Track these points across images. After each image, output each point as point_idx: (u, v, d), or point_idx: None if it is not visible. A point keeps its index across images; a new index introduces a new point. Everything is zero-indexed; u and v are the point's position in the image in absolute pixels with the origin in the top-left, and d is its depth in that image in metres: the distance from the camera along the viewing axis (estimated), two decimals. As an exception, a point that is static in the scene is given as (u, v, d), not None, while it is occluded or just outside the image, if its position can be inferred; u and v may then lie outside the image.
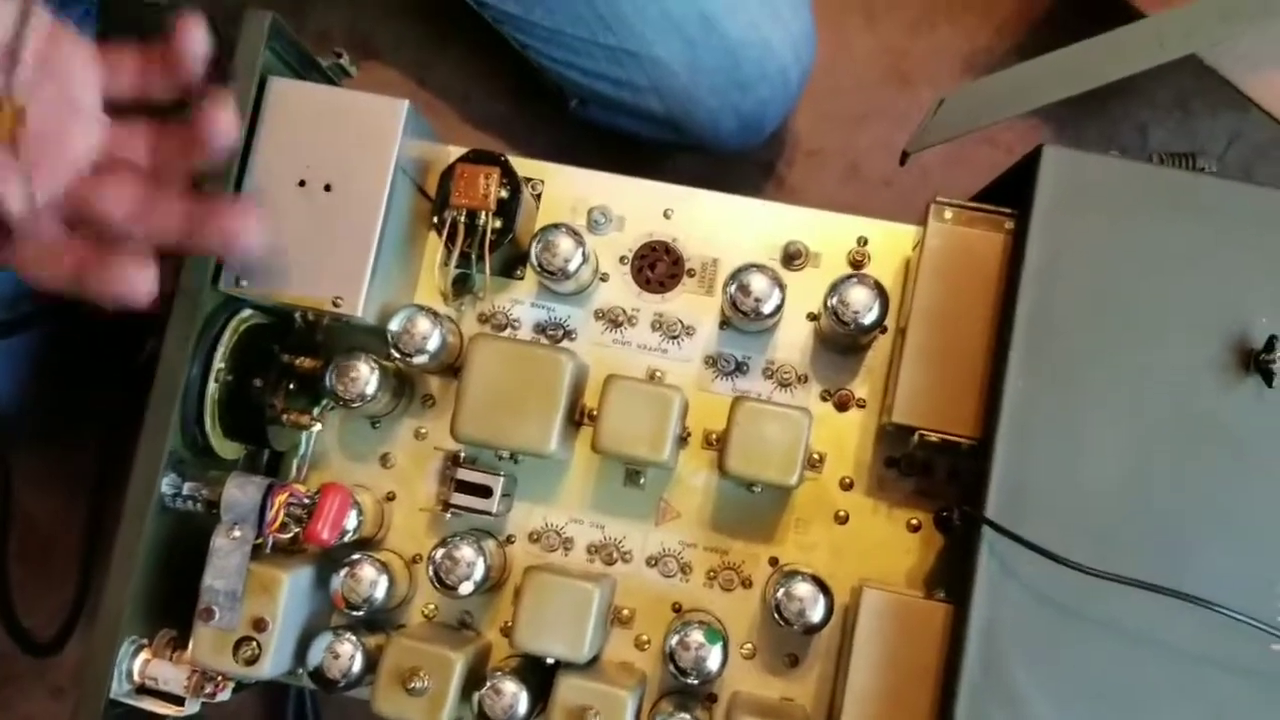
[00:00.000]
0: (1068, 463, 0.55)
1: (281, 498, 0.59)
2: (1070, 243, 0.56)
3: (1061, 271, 0.56)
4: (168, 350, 0.59)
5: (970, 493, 0.60)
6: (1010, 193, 0.61)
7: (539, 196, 0.70)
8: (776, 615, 0.60)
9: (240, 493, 0.59)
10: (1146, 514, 0.54)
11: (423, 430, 0.69)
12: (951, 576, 0.61)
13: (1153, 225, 0.57)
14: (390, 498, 0.68)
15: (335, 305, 0.62)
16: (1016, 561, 0.54)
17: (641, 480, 0.67)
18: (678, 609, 0.66)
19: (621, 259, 0.69)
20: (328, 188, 0.62)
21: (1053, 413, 0.55)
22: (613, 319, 0.69)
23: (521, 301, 0.69)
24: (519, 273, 0.70)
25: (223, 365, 0.62)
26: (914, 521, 0.65)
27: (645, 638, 0.66)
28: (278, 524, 0.59)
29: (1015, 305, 0.56)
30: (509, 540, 0.67)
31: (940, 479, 0.65)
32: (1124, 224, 0.57)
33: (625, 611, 0.66)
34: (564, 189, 0.70)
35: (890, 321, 0.64)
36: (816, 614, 0.59)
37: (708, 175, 0.85)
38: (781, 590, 0.60)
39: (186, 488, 0.60)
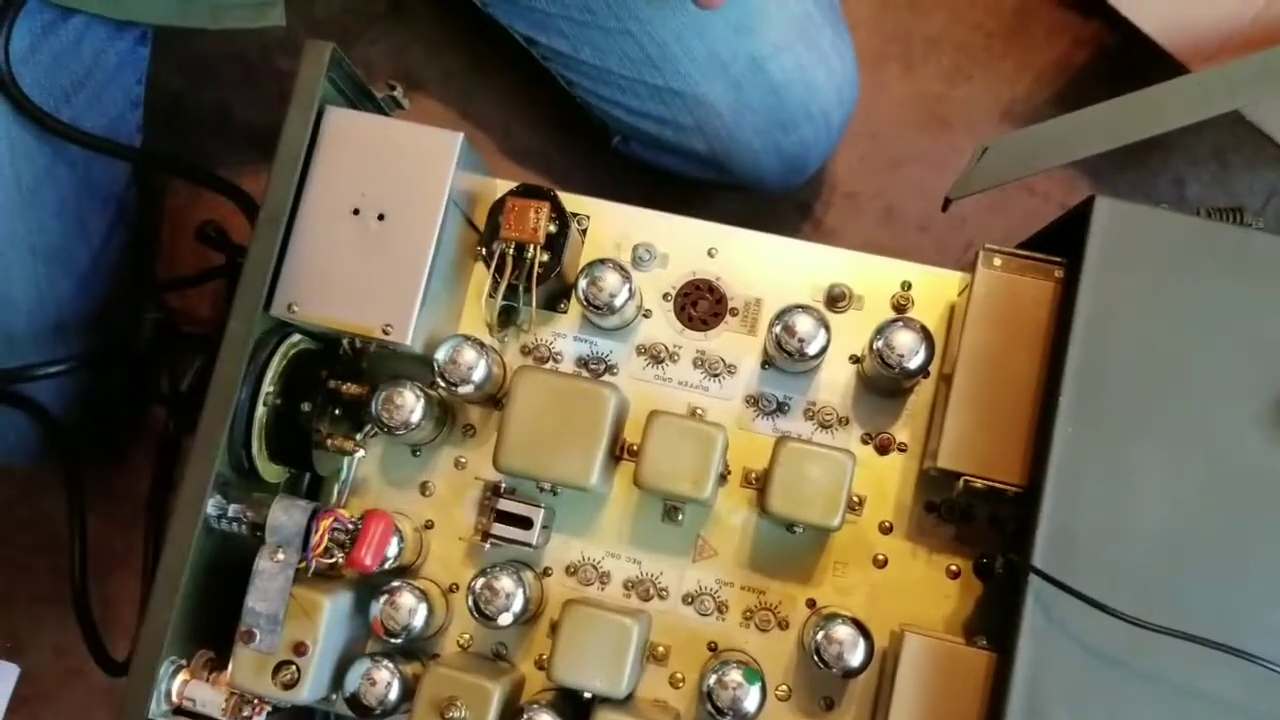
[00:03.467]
0: (1116, 512, 0.55)
1: (326, 522, 0.60)
2: (1121, 293, 0.57)
3: (1113, 321, 0.56)
4: (219, 373, 0.60)
5: (1014, 540, 0.60)
6: (1059, 241, 0.61)
7: (584, 231, 0.71)
8: (815, 658, 0.59)
9: (285, 516, 0.60)
10: (1194, 566, 0.54)
11: (462, 459, 0.69)
12: (993, 624, 0.60)
13: (1203, 278, 0.57)
14: (429, 526, 0.69)
15: (385, 333, 0.62)
16: (1063, 611, 0.54)
17: (680, 517, 0.67)
18: (713, 648, 0.66)
19: (665, 296, 0.70)
20: (381, 217, 0.63)
21: (1101, 462, 0.55)
22: (654, 355, 0.69)
23: (564, 335, 0.70)
24: (562, 306, 0.70)
25: (271, 389, 0.62)
26: (953, 567, 0.64)
27: (680, 675, 0.65)
28: (322, 548, 0.59)
29: (1065, 354, 0.56)
30: (546, 572, 0.67)
31: (981, 525, 0.65)
32: (1175, 276, 0.57)
33: (660, 648, 0.66)
34: (609, 225, 0.71)
35: (933, 366, 0.64)
36: (856, 658, 0.59)
37: (745, 215, 0.85)
38: (821, 633, 0.59)
39: (231, 510, 0.60)
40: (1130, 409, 0.56)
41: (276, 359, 0.63)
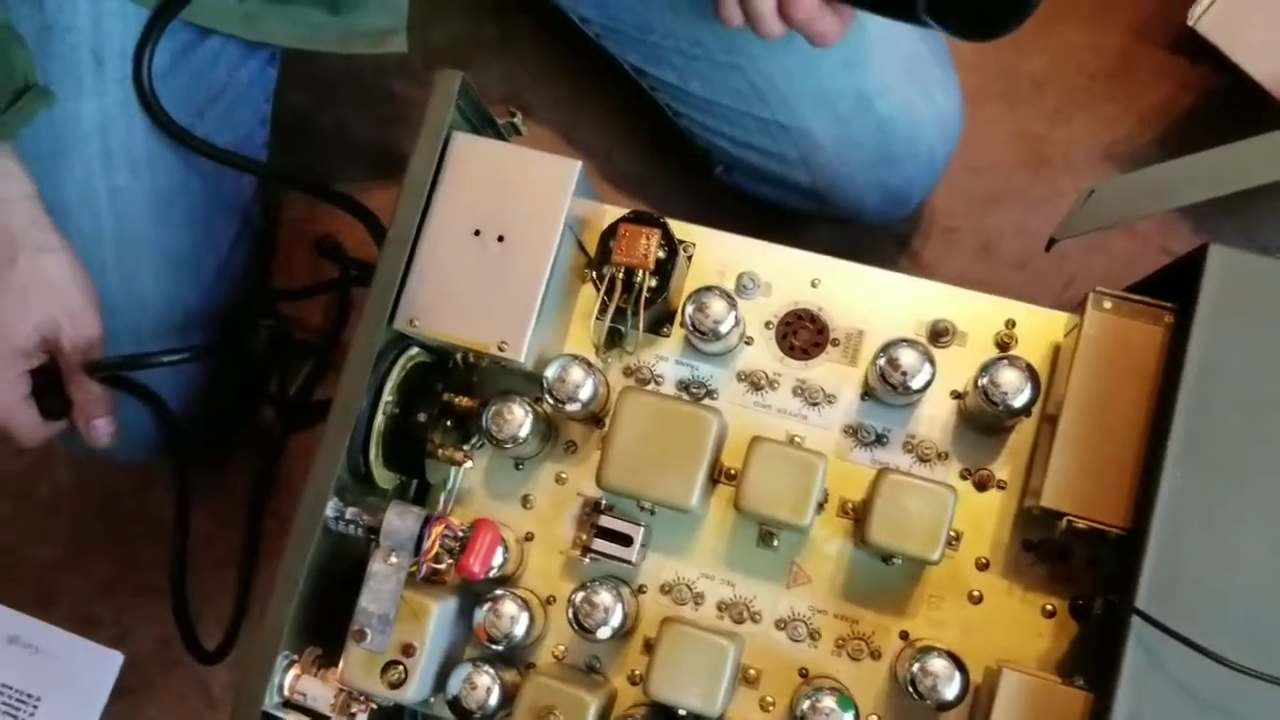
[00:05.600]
0: (1222, 558, 0.55)
1: (438, 529, 0.62)
2: (1233, 340, 0.57)
3: (1223, 368, 0.57)
4: (345, 382, 0.62)
5: (1114, 582, 0.60)
6: (1169, 286, 0.62)
7: (690, 258, 0.72)
8: (910, 689, 0.60)
9: (400, 521, 0.62)
10: (1301, 616, 0.54)
11: (564, 475, 0.71)
12: (1091, 665, 0.60)
13: (1316, 328, 0.57)
14: (528, 538, 0.70)
15: (500, 349, 0.65)
16: (1165, 654, 0.54)
17: (775, 542, 0.68)
18: (804, 674, 0.67)
19: (767, 324, 0.71)
20: (501, 238, 0.66)
21: (1208, 507, 0.55)
22: (754, 382, 0.70)
23: (666, 358, 0.72)
24: (665, 330, 0.72)
25: (390, 399, 0.65)
26: (1049, 607, 0.65)
27: (770, 699, 0.66)
28: (433, 554, 0.62)
29: (1175, 399, 0.56)
30: (641, 590, 0.69)
31: (1078, 566, 0.65)
32: (1289, 326, 0.57)
33: (751, 671, 0.67)
34: (714, 252, 0.72)
35: (1036, 406, 0.65)
36: (951, 691, 0.59)
37: (841, 246, 0.86)
38: (916, 664, 0.60)
39: (349, 513, 0.63)
40: (1239, 455, 0.56)
41: (396, 371, 0.65)
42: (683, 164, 1.00)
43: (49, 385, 0.77)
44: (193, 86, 0.84)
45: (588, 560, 0.67)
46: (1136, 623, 0.54)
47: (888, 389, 0.65)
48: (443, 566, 0.63)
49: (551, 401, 0.66)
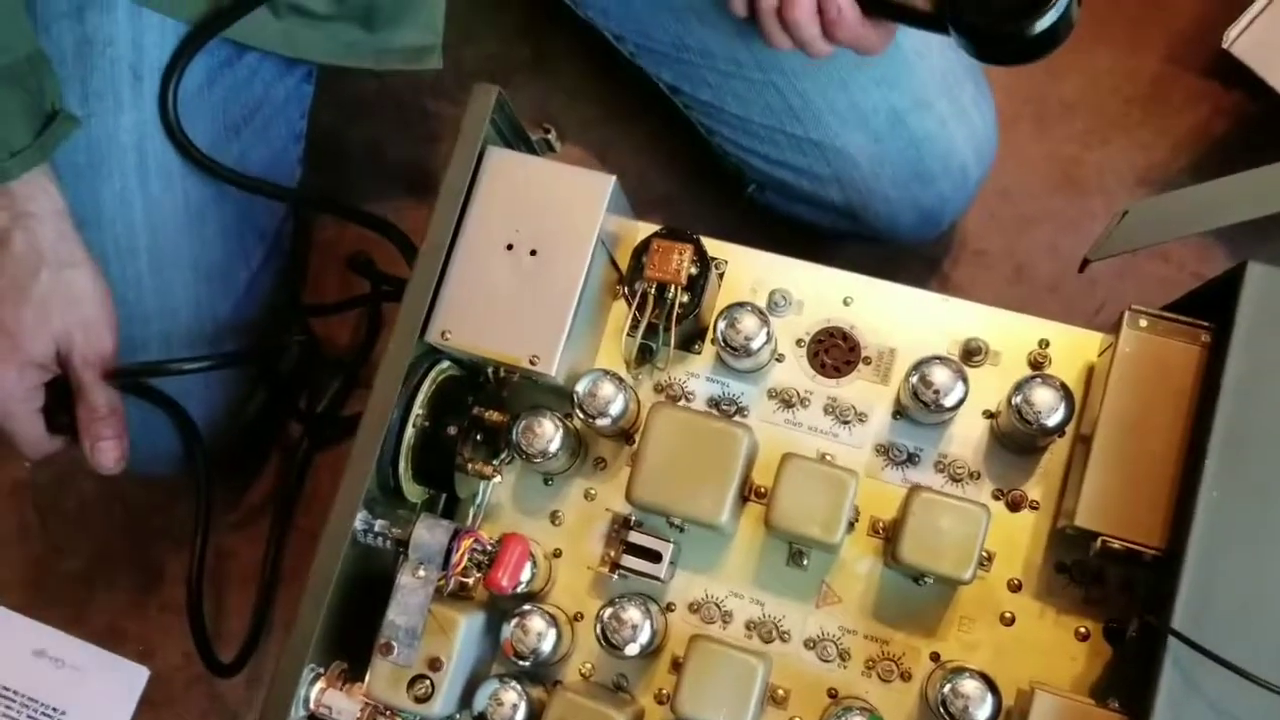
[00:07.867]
0: (1260, 578, 0.54)
1: (467, 543, 0.62)
2: (1271, 359, 0.56)
3: (1261, 387, 0.56)
4: (377, 394, 0.63)
5: (1149, 604, 0.60)
6: (1205, 306, 0.61)
7: (722, 275, 0.72)
8: (941, 710, 0.59)
9: (429, 534, 0.62)
10: (1342, 639, 0.53)
11: (593, 491, 0.71)
12: (1126, 688, 0.59)
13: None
14: (557, 554, 0.70)
15: (532, 363, 0.65)
16: (1201, 677, 0.53)
17: (805, 561, 0.67)
18: (833, 694, 0.66)
19: (798, 342, 0.71)
20: (533, 252, 0.66)
21: (1247, 527, 0.55)
22: (785, 399, 0.70)
23: (697, 375, 0.71)
24: (697, 347, 0.72)
25: (420, 411, 0.65)
26: (1082, 630, 0.64)
27: None
28: (461, 567, 0.62)
29: (1213, 418, 0.56)
30: (669, 608, 0.68)
31: (1112, 589, 0.64)
32: (1328, 345, 0.56)
33: (780, 691, 0.66)
34: (746, 270, 0.72)
35: (1069, 426, 0.64)
36: (983, 713, 0.58)
37: (872, 267, 0.86)
38: (948, 686, 0.59)
39: (377, 525, 0.63)
40: (1278, 474, 0.55)
41: (427, 384, 0.65)
42: (716, 186, 1.00)
43: (60, 402, 0.76)
44: (229, 101, 0.85)
45: (616, 577, 0.67)
46: (1173, 644, 0.53)
47: (920, 407, 0.64)
48: (471, 581, 0.63)
49: (582, 416, 0.66)
